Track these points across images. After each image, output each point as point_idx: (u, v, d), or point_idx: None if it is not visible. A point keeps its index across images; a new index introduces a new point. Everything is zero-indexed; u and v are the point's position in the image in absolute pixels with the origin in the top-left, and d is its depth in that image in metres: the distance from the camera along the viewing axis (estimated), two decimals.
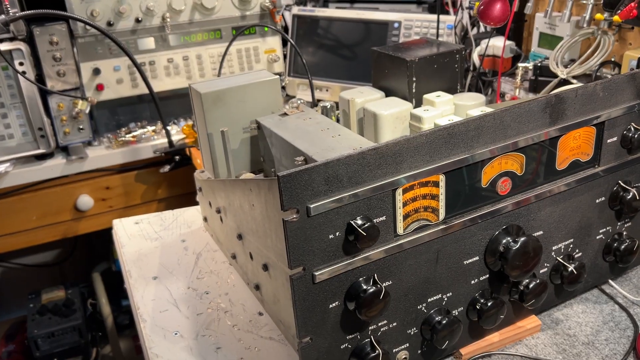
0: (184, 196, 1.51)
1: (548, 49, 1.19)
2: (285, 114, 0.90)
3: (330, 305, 0.59)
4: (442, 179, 0.61)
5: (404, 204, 0.60)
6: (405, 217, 0.60)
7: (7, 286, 1.99)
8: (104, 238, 1.72)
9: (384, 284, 0.60)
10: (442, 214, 0.63)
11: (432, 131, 0.58)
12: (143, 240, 0.99)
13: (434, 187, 0.61)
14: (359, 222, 0.56)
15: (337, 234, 0.56)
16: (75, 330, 1.64)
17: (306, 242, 0.55)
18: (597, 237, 0.76)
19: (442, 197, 0.62)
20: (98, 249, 1.96)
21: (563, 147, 0.68)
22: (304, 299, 0.57)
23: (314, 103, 1.27)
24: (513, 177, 0.66)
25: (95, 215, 1.46)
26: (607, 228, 0.76)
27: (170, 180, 1.50)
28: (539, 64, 1.14)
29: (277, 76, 0.92)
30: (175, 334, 0.77)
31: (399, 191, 0.59)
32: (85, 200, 1.43)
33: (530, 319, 0.75)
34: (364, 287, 0.58)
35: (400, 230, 0.60)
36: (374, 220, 0.57)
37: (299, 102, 0.95)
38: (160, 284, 0.87)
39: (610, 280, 0.81)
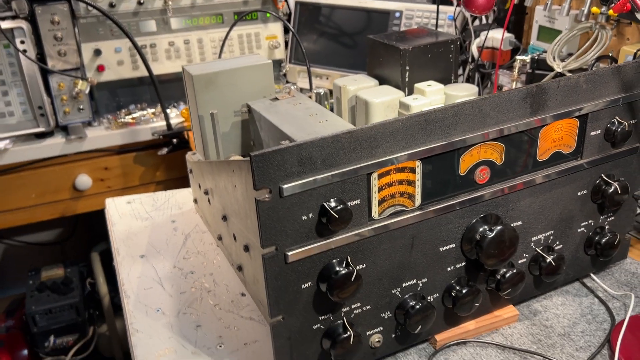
0: (182, 179, 1.52)
1: (547, 42, 1.19)
2: (277, 98, 0.90)
3: (303, 286, 0.59)
4: (418, 165, 0.61)
5: (380, 189, 0.60)
6: (381, 202, 0.61)
7: (10, 263, 2.02)
8: (104, 218, 1.75)
9: (358, 267, 0.61)
10: (418, 200, 0.63)
11: (408, 117, 0.58)
12: (134, 219, 1.01)
13: (411, 173, 0.62)
14: (332, 204, 0.57)
15: (310, 215, 0.57)
16: (72, 308, 1.66)
17: (279, 222, 0.56)
18: (579, 230, 0.76)
19: (418, 184, 0.62)
20: (98, 229, 1.98)
21: (544, 138, 0.68)
22: (275, 278, 0.58)
23: (312, 90, 1.28)
24: (492, 166, 0.66)
25: (94, 195, 1.48)
26: (589, 221, 0.76)
27: (168, 163, 1.51)
28: (536, 57, 1.13)
29: (270, 61, 0.93)
30: (157, 310, 0.78)
31: (375, 176, 0.59)
32: (84, 180, 1.44)
33: (508, 309, 0.75)
34: (337, 269, 0.59)
35: (375, 215, 0.61)
36: (348, 203, 0.58)
37: (291, 87, 0.96)
38: (147, 263, 0.89)
39: (592, 274, 0.82)
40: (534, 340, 0.72)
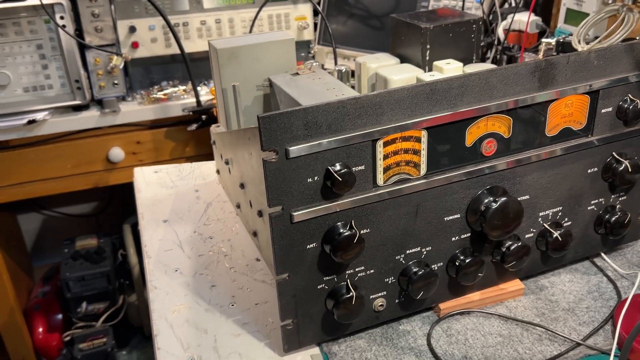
0: (210, 155, 1.57)
1: (574, 26, 1.18)
2: (297, 73, 0.93)
3: (308, 246, 0.62)
4: (424, 134, 0.63)
5: (385, 157, 0.62)
6: (386, 169, 0.63)
7: (48, 234, 2.11)
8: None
9: (362, 231, 0.63)
10: (423, 169, 0.65)
11: (413, 86, 0.60)
12: (159, 187, 1.05)
13: (416, 143, 0.63)
14: (337, 167, 0.59)
15: (316, 178, 0.59)
16: (104, 276, 1.74)
17: (285, 183, 0.58)
18: (589, 208, 0.77)
19: (424, 153, 0.64)
20: (131, 202, 2.05)
21: (554, 114, 0.69)
22: (281, 237, 0.61)
23: (335, 67, 1.29)
24: (499, 138, 0.67)
25: (126, 168, 1.54)
26: (600, 200, 0.77)
27: (197, 139, 1.56)
28: (561, 40, 1.12)
29: (292, 37, 0.95)
30: (176, 270, 0.82)
31: (380, 143, 0.61)
32: (117, 153, 1.50)
33: (514, 283, 0.76)
34: (341, 230, 0.62)
35: (380, 182, 0.63)
36: (353, 168, 0.60)
37: (313, 64, 0.98)
38: (169, 227, 0.93)
39: (602, 254, 0.82)
40: (537, 314, 0.73)
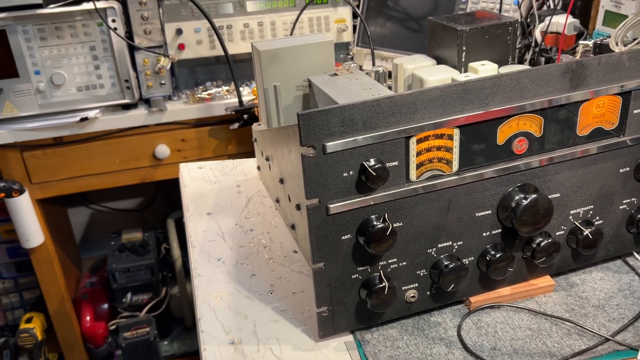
0: (251, 153, 1.62)
1: (613, 28, 1.17)
2: (336, 74, 0.96)
3: (343, 237, 0.66)
4: (456, 132, 0.66)
5: (418, 154, 0.65)
6: (419, 165, 0.66)
7: (97, 227, 2.20)
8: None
9: (395, 225, 0.67)
10: (455, 166, 0.68)
11: (446, 85, 0.63)
12: (203, 182, 1.11)
13: (449, 140, 0.66)
14: (371, 163, 0.62)
15: (351, 172, 0.63)
16: (148, 268, 1.81)
17: (322, 176, 0.62)
18: (620, 207, 0.78)
19: (456, 150, 0.67)
20: (174, 198, 2.13)
21: (585, 114, 0.71)
22: (318, 228, 0.64)
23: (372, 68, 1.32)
24: (530, 137, 0.69)
25: (171, 164, 1.60)
26: (632, 199, 0.78)
27: (239, 138, 1.61)
28: (599, 42, 1.13)
29: (331, 39, 0.99)
30: (218, 259, 0.87)
31: (413, 140, 0.64)
32: (163, 150, 1.57)
33: (544, 279, 0.78)
34: (374, 223, 0.65)
35: (413, 177, 0.66)
36: (387, 164, 0.64)
37: (351, 65, 1.02)
38: (212, 219, 0.98)
39: (635, 253, 0.83)
40: (567, 309, 0.74)
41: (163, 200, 2.18)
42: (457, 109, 0.64)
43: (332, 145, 0.61)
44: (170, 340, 1.97)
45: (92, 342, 1.83)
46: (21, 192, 1.48)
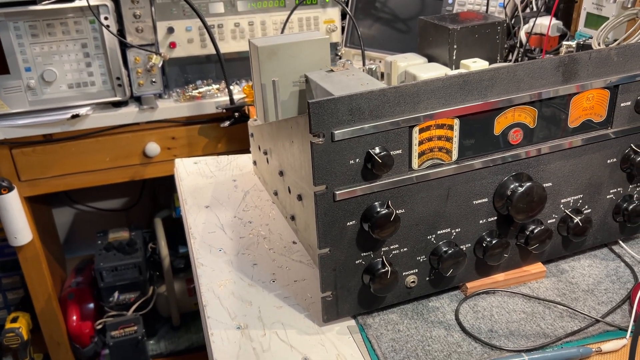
0: (242, 151, 1.64)
1: (594, 29, 1.23)
2: (332, 70, 0.99)
3: (348, 223, 0.68)
4: (456, 122, 0.69)
5: (420, 143, 0.68)
6: (421, 154, 0.69)
7: (81, 227, 2.19)
8: (168, 186, 1.88)
9: (398, 211, 0.69)
10: (455, 155, 0.71)
11: (448, 77, 0.66)
12: (200, 177, 1.12)
13: (449, 130, 0.69)
14: (377, 150, 0.65)
15: (357, 160, 0.65)
16: (135, 267, 1.81)
17: (329, 164, 0.64)
18: (607, 197, 0.82)
19: (455, 140, 0.70)
20: (161, 197, 2.13)
21: (576, 106, 0.74)
22: (325, 214, 0.67)
23: (364, 66, 1.36)
24: (525, 128, 0.73)
25: (161, 162, 1.61)
26: (618, 189, 0.82)
27: (229, 136, 1.63)
28: (581, 43, 1.18)
29: (327, 36, 1.02)
30: (220, 250, 0.89)
31: (416, 129, 0.67)
32: (153, 147, 1.58)
33: (536, 266, 0.82)
34: (379, 209, 0.68)
35: (415, 166, 0.69)
36: (391, 152, 0.66)
37: (346, 62, 1.05)
38: (210, 212, 0.99)
39: (620, 241, 0.87)
40: (558, 294, 0.78)
41: (148, 200, 2.18)
42: (458, 99, 0.67)
43: (340, 133, 0.63)
44: (157, 339, 1.97)
45: (79, 342, 1.83)
46: (10, 189, 1.47)
